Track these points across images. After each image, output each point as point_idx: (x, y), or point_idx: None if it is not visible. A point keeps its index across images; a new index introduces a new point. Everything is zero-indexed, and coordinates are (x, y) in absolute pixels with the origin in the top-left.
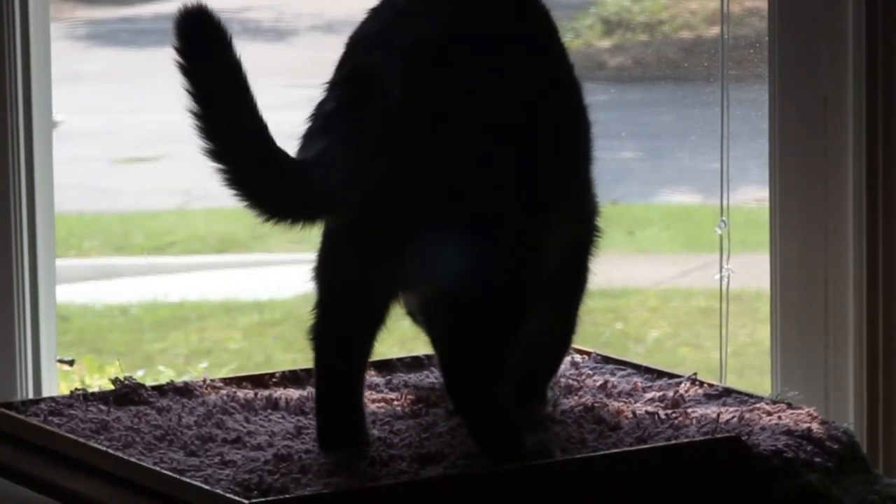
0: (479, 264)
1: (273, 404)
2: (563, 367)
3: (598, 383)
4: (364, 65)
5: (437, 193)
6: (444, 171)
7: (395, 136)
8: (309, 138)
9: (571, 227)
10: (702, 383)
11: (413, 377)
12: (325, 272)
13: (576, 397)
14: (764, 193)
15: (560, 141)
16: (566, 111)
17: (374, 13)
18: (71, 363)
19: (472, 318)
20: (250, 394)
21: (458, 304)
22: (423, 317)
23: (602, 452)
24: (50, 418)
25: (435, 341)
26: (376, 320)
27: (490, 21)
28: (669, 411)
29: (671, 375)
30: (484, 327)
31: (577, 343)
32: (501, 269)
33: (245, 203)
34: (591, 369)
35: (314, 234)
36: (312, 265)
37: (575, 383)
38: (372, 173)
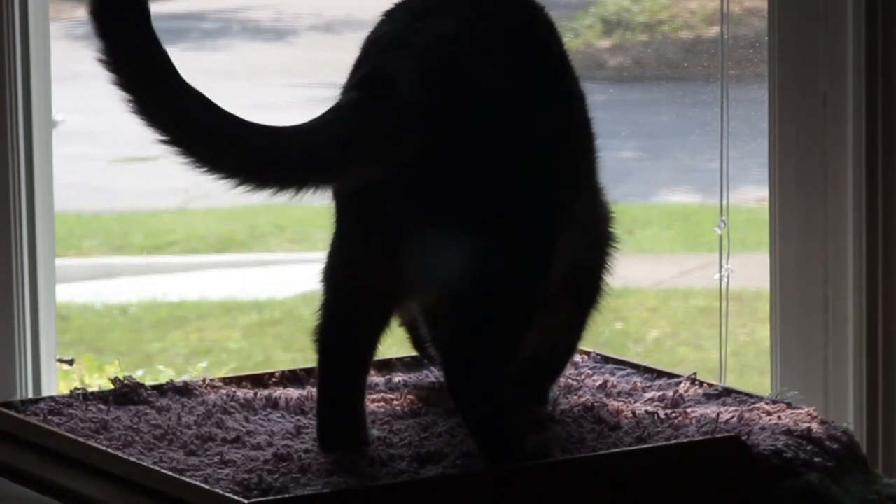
0: (486, 267)
1: (273, 404)
2: None
3: (597, 383)
4: (380, 67)
5: (446, 195)
6: (454, 172)
7: (406, 138)
8: None
9: (579, 233)
10: (701, 383)
11: (413, 377)
12: (332, 274)
13: (575, 397)
14: (763, 193)
15: (569, 146)
16: (575, 119)
17: (389, 16)
18: (70, 362)
19: (477, 319)
20: (250, 393)
21: (463, 306)
22: (427, 321)
23: (601, 452)
24: (49, 418)
25: (438, 346)
26: (380, 324)
27: (505, 26)
28: (669, 411)
29: (671, 375)
30: (488, 329)
31: None
32: (508, 271)
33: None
34: (590, 369)
35: (314, 235)
36: (322, 266)
37: (575, 383)
38: (333, 157)
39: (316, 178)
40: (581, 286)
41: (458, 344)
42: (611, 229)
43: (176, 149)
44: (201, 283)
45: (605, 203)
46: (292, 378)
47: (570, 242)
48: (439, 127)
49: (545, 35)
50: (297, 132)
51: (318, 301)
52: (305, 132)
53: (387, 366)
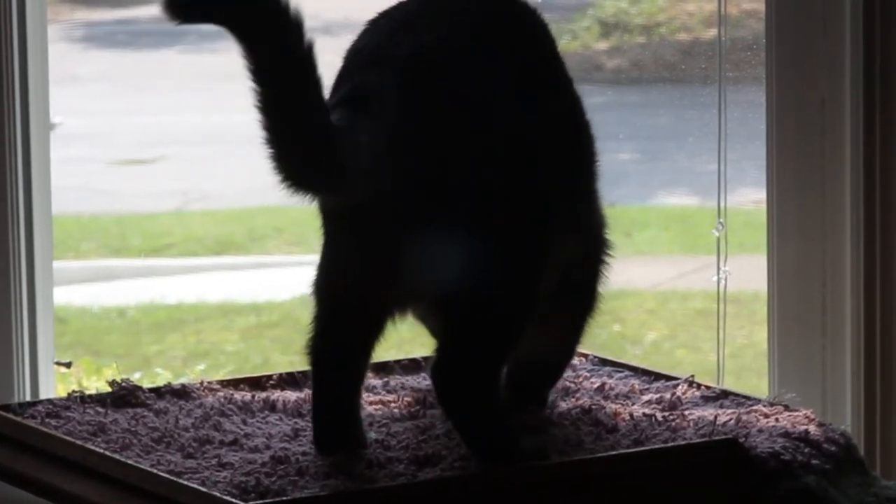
0: (477, 275)
1: (270, 406)
2: None
3: (595, 385)
4: (361, 86)
5: (436, 206)
6: (442, 182)
7: (390, 147)
8: None
9: (573, 239)
10: (699, 385)
11: (410, 379)
12: (324, 286)
13: (573, 399)
14: (761, 195)
15: (560, 153)
16: (567, 124)
17: (373, 25)
18: (68, 365)
19: (466, 325)
20: (248, 396)
21: (455, 314)
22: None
23: (599, 455)
24: (47, 420)
25: None
26: (374, 334)
27: (492, 31)
28: (667, 413)
29: (668, 377)
30: (477, 335)
31: None
32: (498, 279)
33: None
34: (588, 371)
35: (311, 237)
36: (312, 279)
37: (572, 385)
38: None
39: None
40: (578, 292)
41: (449, 351)
42: (606, 236)
43: (286, 181)
44: (199, 285)
45: (601, 208)
46: (290, 381)
47: (565, 248)
48: (423, 145)
49: (535, 38)
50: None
51: (310, 313)
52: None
53: (384, 368)
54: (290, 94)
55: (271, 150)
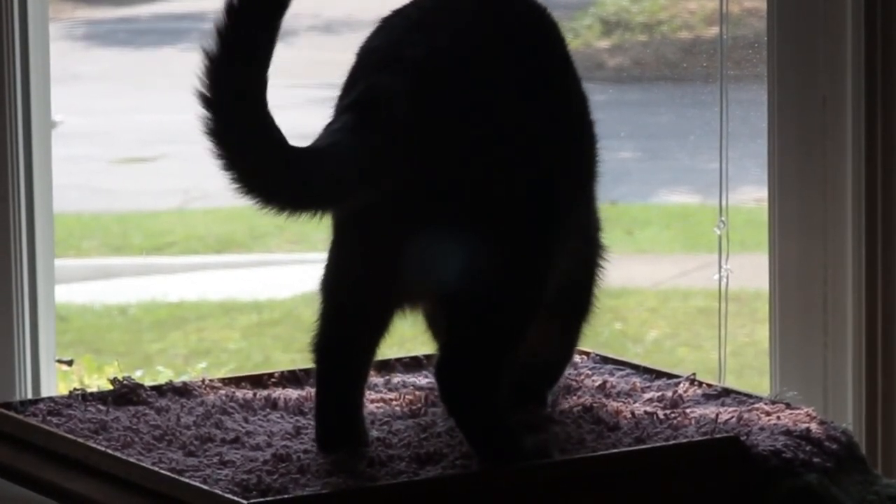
0: (486, 276)
1: (272, 404)
2: None
3: (596, 383)
4: (373, 88)
5: (446, 207)
6: (450, 184)
7: (401, 150)
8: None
9: (576, 241)
10: (700, 383)
11: (412, 377)
12: (331, 285)
13: (574, 397)
14: (763, 193)
15: (569, 155)
16: (576, 126)
17: (386, 23)
18: (70, 363)
19: (471, 325)
20: (249, 394)
21: (461, 313)
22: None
23: (601, 453)
24: (49, 418)
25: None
26: (379, 333)
27: (505, 32)
28: (668, 411)
29: (670, 375)
30: (481, 335)
31: None
32: (504, 279)
33: (238, 183)
34: (589, 369)
35: (313, 235)
36: (320, 277)
37: (574, 383)
38: (368, 176)
39: (317, 205)
40: (576, 293)
41: (453, 349)
42: (601, 239)
43: (231, 175)
44: (201, 283)
45: (597, 211)
46: (291, 378)
47: (567, 249)
48: (434, 147)
49: (547, 40)
50: (300, 159)
51: (316, 311)
52: (311, 159)
53: (386, 366)
54: (242, 117)
55: (228, 175)
